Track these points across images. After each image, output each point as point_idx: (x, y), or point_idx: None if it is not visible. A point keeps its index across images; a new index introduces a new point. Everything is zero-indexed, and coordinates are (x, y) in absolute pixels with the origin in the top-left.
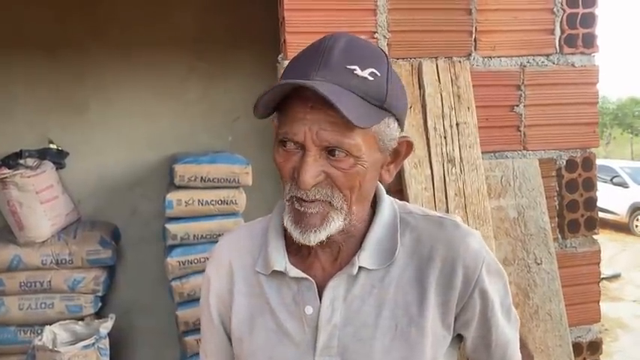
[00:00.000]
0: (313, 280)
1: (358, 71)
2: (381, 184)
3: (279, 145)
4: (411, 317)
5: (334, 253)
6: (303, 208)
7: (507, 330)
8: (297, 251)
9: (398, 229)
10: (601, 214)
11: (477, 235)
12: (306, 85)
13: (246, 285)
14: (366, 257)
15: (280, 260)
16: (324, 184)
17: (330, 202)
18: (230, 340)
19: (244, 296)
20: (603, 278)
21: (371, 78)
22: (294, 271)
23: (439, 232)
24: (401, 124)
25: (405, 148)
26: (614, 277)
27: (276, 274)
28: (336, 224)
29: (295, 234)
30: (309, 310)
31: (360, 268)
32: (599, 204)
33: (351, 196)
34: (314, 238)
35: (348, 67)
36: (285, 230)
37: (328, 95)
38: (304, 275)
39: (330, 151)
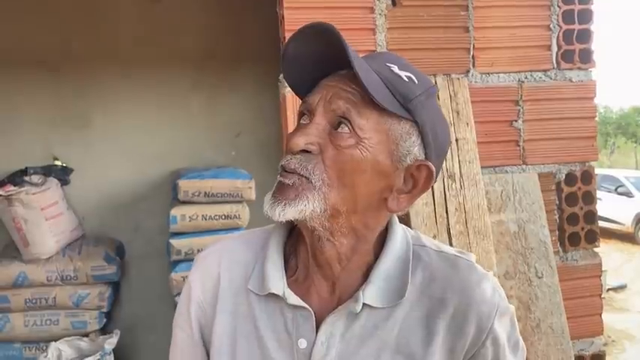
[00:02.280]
0: (312, 312)
1: (395, 69)
2: (395, 215)
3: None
4: None
5: (330, 279)
6: (282, 178)
7: None
8: (294, 272)
9: (410, 265)
10: (606, 225)
11: (491, 279)
12: (324, 29)
13: (233, 303)
14: (371, 293)
15: (278, 282)
16: (312, 158)
17: (308, 179)
18: (209, 357)
19: (229, 315)
20: (609, 289)
21: (406, 79)
22: (293, 298)
23: (453, 273)
24: (426, 147)
25: (424, 176)
26: (620, 287)
27: (271, 296)
28: (309, 205)
29: (265, 205)
30: (302, 343)
31: (363, 305)
32: (603, 214)
33: (336, 182)
34: (279, 212)
35: (388, 64)
36: (285, 247)
37: (355, 63)
38: (303, 304)
39: (335, 125)
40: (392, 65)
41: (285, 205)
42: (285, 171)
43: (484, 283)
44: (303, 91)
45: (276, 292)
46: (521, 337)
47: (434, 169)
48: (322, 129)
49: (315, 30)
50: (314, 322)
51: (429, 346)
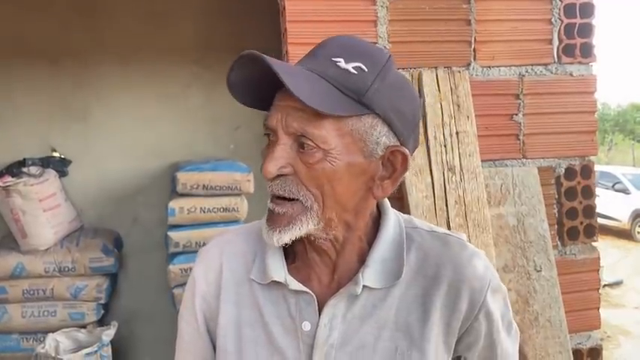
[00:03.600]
0: (314, 296)
1: (342, 63)
2: (386, 199)
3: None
4: (413, 339)
5: (329, 265)
6: (273, 206)
7: (509, 345)
8: (293, 260)
9: (404, 247)
10: (603, 221)
11: (482, 256)
12: (254, 56)
13: (237, 294)
14: (370, 275)
15: (279, 270)
16: (291, 180)
17: (301, 202)
18: (215, 349)
19: (233, 305)
20: (605, 285)
21: (354, 71)
22: (295, 284)
23: (445, 251)
24: (395, 130)
25: (400, 160)
26: (616, 284)
27: (274, 284)
28: (304, 227)
29: (263, 231)
30: (306, 326)
31: (363, 287)
32: (600, 210)
33: (323, 199)
34: (276, 239)
35: (333, 59)
36: None
37: (281, 73)
38: (305, 289)
39: (300, 143)
40: (338, 60)
41: (280, 232)
42: (276, 197)
43: (475, 260)
44: (266, 106)
45: (278, 280)
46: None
47: (407, 151)
48: (289, 148)
49: (248, 58)
50: (316, 306)
51: (426, 322)
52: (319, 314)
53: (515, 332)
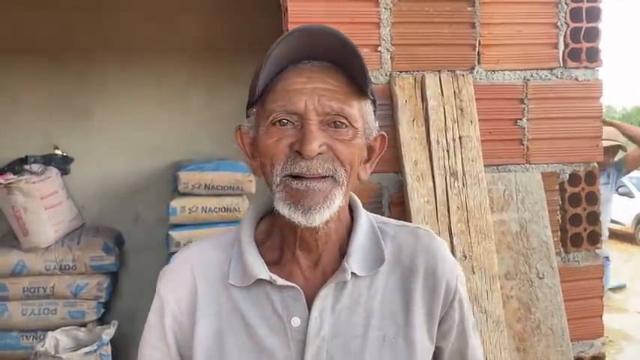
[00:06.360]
0: (301, 290)
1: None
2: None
3: (268, 128)
4: (398, 327)
5: (314, 260)
6: (304, 185)
7: (478, 351)
8: (273, 261)
9: (380, 237)
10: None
11: (447, 246)
12: (330, 31)
13: (214, 303)
14: (354, 263)
15: (261, 268)
16: (327, 159)
17: (333, 177)
18: None
19: (211, 317)
20: (608, 289)
21: (361, 55)
22: (281, 280)
23: (416, 241)
24: (375, 114)
25: (379, 143)
26: (619, 288)
27: (255, 285)
28: (337, 203)
29: (296, 216)
30: (296, 322)
31: (351, 274)
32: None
33: (350, 175)
34: (319, 218)
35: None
36: (256, 240)
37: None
38: (292, 284)
39: (329, 123)
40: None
41: (320, 209)
42: (306, 178)
43: (444, 248)
44: (255, 95)
45: (262, 277)
46: None
47: (385, 134)
48: (321, 129)
49: (320, 31)
50: (304, 299)
51: (409, 310)
52: (308, 309)
53: (480, 345)
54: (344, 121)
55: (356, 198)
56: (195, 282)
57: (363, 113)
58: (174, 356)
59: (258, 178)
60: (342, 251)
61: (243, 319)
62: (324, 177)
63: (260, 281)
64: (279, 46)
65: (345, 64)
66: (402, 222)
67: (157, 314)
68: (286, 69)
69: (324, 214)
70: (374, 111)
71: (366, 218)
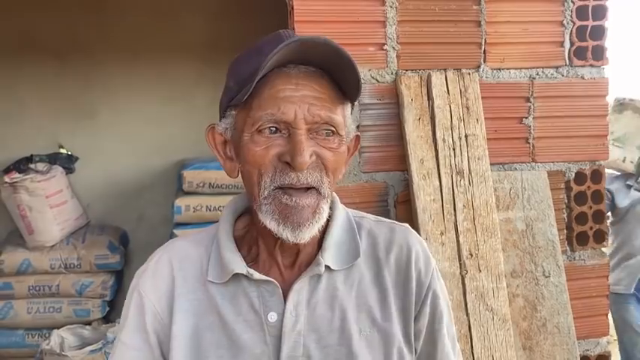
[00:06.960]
0: (277, 284)
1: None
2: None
3: (254, 135)
4: (374, 320)
5: (292, 256)
6: (293, 201)
7: (452, 358)
8: (251, 257)
9: (356, 231)
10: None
11: (424, 243)
12: (321, 41)
13: (192, 299)
14: (329, 257)
15: (239, 263)
16: (315, 167)
17: (318, 190)
18: None
19: (189, 313)
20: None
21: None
22: (258, 274)
23: (392, 236)
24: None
25: (354, 143)
26: None
27: (232, 281)
28: (324, 216)
29: (285, 233)
30: (272, 317)
31: (325, 267)
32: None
33: (333, 182)
34: (308, 234)
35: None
36: (235, 237)
37: (343, 52)
38: (268, 278)
39: (317, 131)
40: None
41: (309, 225)
42: (294, 189)
43: (419, 245)
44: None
45: (239, 271)
46: None
47: (360, 135)
48: (309, 137)
49: (321, 42)
50: (281, 294)
51: (384, 303)
52: (285, 303)
53: (460, 356)
54: (332, 129)
55: (334, 194)
56: (173, 277)
57: (345, 117)
58: (158, 357)
59: (233, 179)
60: (319, 247)
61: (220, 316)
62: (310, 189)
63: (237, 277)
64: (275, 57)
65: (338, 74)
66: (380, 217)
67: (135, 312)
68: (271, 72)
69: (312, 230)
70: (351, 111)
71: (343, 212)
